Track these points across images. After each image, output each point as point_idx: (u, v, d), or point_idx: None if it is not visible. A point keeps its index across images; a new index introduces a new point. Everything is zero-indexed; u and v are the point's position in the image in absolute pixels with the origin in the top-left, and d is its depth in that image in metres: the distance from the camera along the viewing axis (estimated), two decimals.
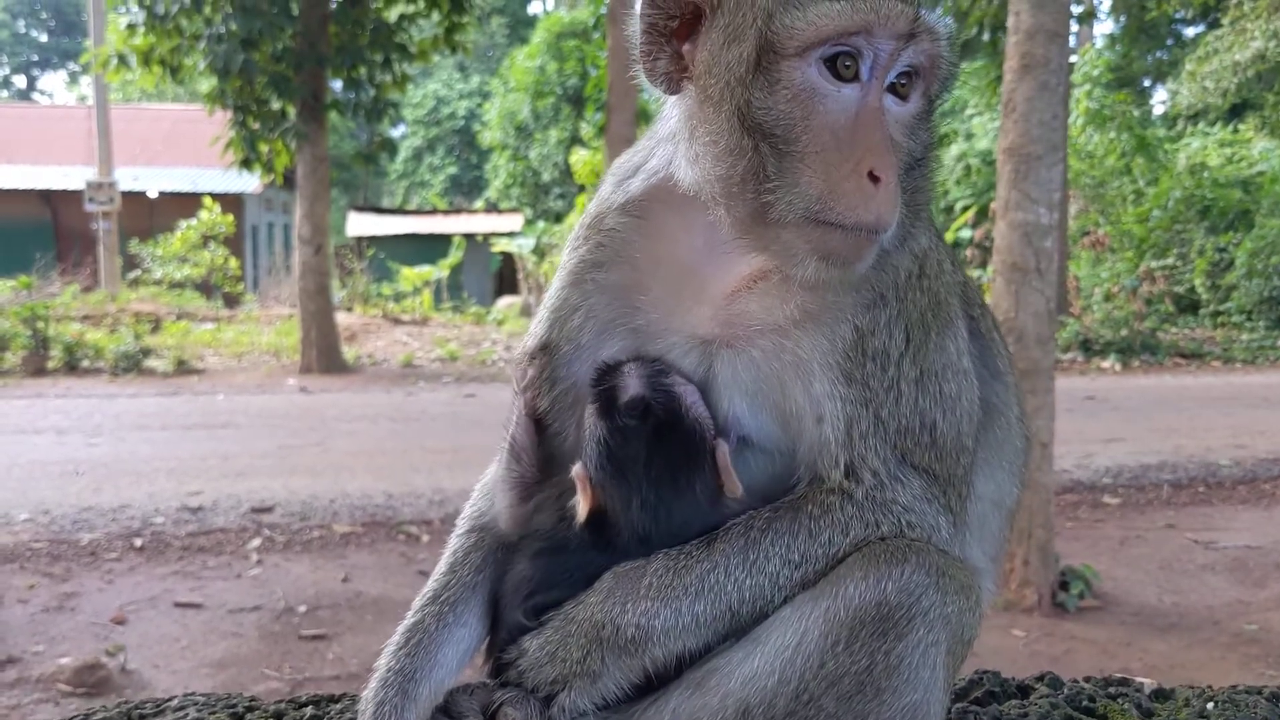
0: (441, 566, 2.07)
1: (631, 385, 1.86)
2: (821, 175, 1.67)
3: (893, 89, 1.76)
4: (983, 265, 19.81)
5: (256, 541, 8.82)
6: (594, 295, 1.99)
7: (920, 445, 1.79)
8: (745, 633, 1.76)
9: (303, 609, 7.41)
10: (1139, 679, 2.55)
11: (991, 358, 2.04)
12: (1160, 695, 2.49)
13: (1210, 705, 2.41)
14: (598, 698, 1.77)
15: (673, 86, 1.83)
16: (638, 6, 1.79)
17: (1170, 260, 27.53)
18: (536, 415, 2.04)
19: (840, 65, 1.69)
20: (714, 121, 1.75)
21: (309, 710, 2.41)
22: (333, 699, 2.46)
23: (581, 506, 1.86)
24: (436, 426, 14.13)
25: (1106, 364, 21.32)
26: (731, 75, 1.72)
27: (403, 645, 1.95)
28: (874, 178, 1.65)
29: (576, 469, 1.87)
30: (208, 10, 16.98)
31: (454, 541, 2.11)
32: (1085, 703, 2.41)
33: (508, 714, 1.85)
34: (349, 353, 20.82)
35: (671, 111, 1.91)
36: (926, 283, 1.85)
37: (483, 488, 2.16)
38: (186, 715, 2.38)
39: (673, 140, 1.89)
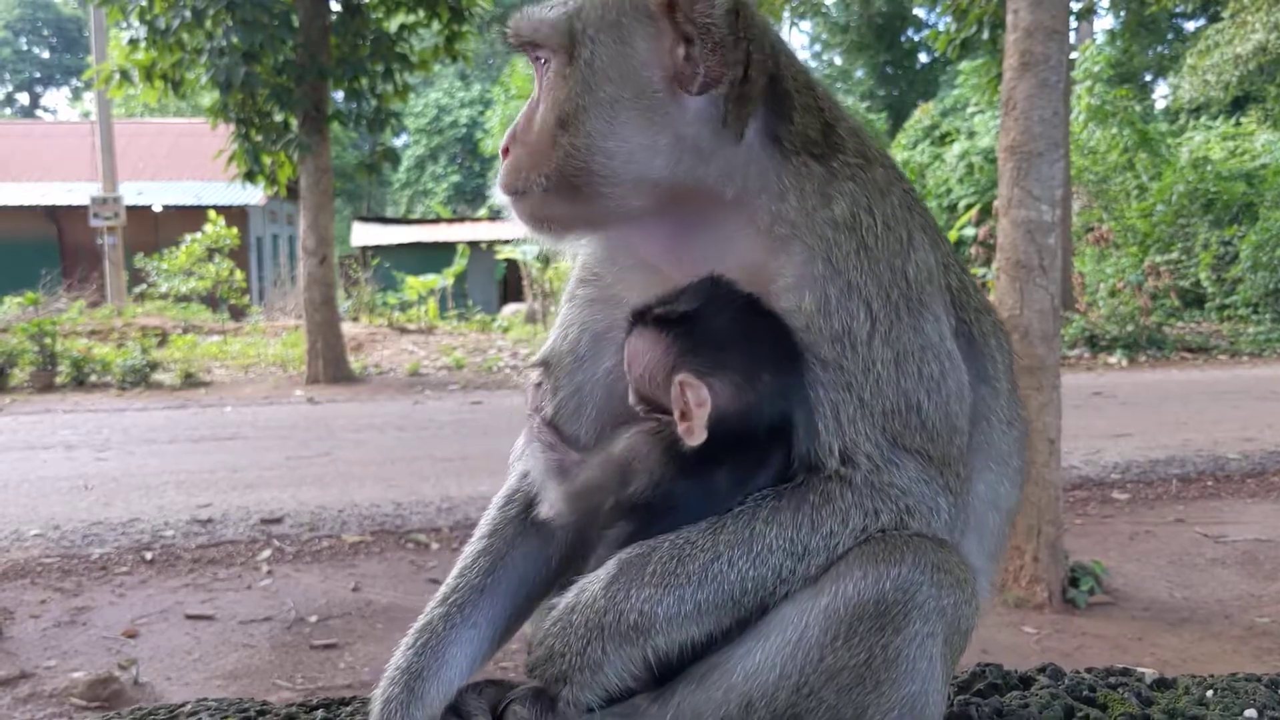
0: (453, 571, 2.11)
1: None
2: None
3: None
4: (987, 263, 19.80)
5: (266, 553, 8.84)
6: (585, 309, 2.07)
7: (910, 427, 1.80)
8: (747, 622, 1.79)
9: (314, 619, 7.43)
10: (1140, 669, 2.56)
11: (981, 363, 2.03)
12: (1161, 684, 2.50)
13: (1210, 693, 2.42)
14: (600, 690, 1.78)
15: None
16: None
17: (1175, 254, 27.49)
18: (549, 425, 2.07)
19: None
20: None
21: (320, 714, 2.43)
22: (343, 702, 2.48)
23: (694, 421, 1.80)
24: (444, 435, 14.15)
25: (1113, 359, 21.29)
26: None
27: (411, 645, 1.98)
28: (503, 152, 1.95)
29: (682, 376, 1.80)
30: (209, 24, 17.03)
31: (466, 548, 2.14)
32: (1086, 692, 2.43)
33: (515, 711, 1.87)
34: (355, 363, 20.86)
35: None
36: (868, 254, 1.82)
37: (498, 500, 2.17)
38: None
39: None
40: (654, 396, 1.86)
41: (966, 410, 1.89)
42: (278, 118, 18.13)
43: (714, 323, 1.80)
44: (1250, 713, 2.32)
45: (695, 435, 1.79)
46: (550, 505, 1.97)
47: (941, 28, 19.32)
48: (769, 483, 1.82)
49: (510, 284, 36.82)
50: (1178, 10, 33.92)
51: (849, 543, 1.76)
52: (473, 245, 33.44)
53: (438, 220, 42.57)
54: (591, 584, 1.80)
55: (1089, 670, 2.59)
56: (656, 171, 1.85)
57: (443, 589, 2.07)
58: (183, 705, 2.49)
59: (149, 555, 8.75)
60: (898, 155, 33.01)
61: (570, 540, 2.06)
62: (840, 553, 1.76)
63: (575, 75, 1.85)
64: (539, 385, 2.10)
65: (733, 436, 1.81)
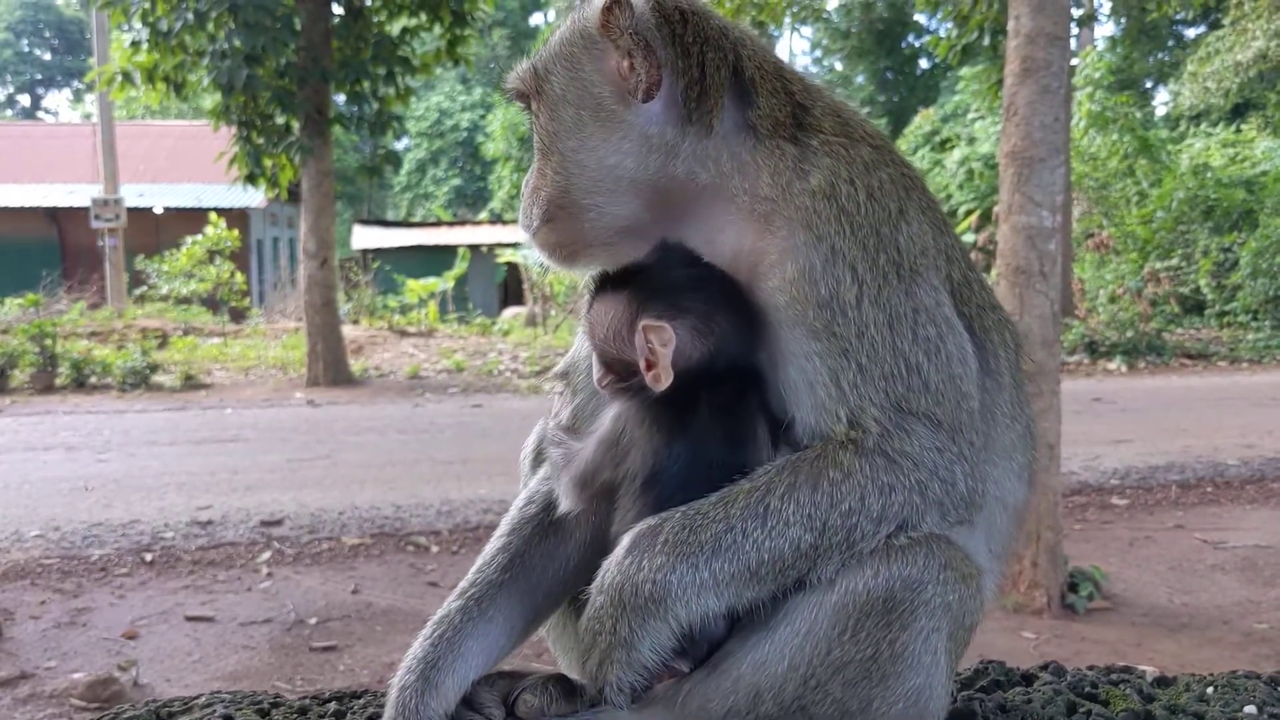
0: (473, 567, 2.15)
1: None
2: None
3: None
4: (987, 269, 19.83)
5: (266, 555, 8.84)
6: None
7: (913, 390, 1.81)
8: (774, 604, 1.81)
9: (313, 621, 7.43)
10: (1141, 667, 2.58)
11: (983, 357, 2.02)
12: (1162, 682, 2.52)
13: (1210, 690, 2.43)
14: (640, 669, 1.79)
15: None
16: None
17: (1175, 261, 27.52)
18: (564, 427, 2.14)
19: None
20: None
21: (332, 706, 2.46)
22: (355, 695, 2.52)
23: (660, 363, 1.86)
24: (444, 438, 14.16)
25: (1113, 365, 21.31)
26: None
27: (428, 635, 2.03)
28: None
29: (645, 321, 1.88)
30: (211, 26, 17.06)
31: (487, 545, 2.18)
32: (1088, 689, 2.44)
33: (526, 700, 1.89)
34: (356, 365, 20.86)
35: None
36: (850, 220, 1.86)
37: (519, 501, 2.21)
38: (214, 712, 2.41)
39: None
40: (620, 356, 1.93)
41: (973, 376, 1.90)
42: (279, 120, 18.15)
43: (667, 275, 1.91)
44: (1250, 709, 2.33)
45: (663, 379, 1.86)
46: (563, 497, 2.01)
47: (942, 34, 19.31)
48: (761, 457, 1.85)
49: (510, 287, 36.82)
50: (1178, 17, 33.99)
51: (867, 528, 1.77)
52: (473, 248, 33.46)
53: (438, 223, 42.62)
54: (609, 563, 1.82)
55: (1090, 668, 2.60)
56: (628, 174, 1.97)
57: (462, 583, 2.11)
58: (197, 698, 2.51)
59: (149, 557, 8.76)
60: None
61: (589, 538, 2.09)
62: (858, 537, 1.77)
63: (545, 109, 2.04)
64: (560, 393, 2.20)
65: (701, 384, 1.87)
